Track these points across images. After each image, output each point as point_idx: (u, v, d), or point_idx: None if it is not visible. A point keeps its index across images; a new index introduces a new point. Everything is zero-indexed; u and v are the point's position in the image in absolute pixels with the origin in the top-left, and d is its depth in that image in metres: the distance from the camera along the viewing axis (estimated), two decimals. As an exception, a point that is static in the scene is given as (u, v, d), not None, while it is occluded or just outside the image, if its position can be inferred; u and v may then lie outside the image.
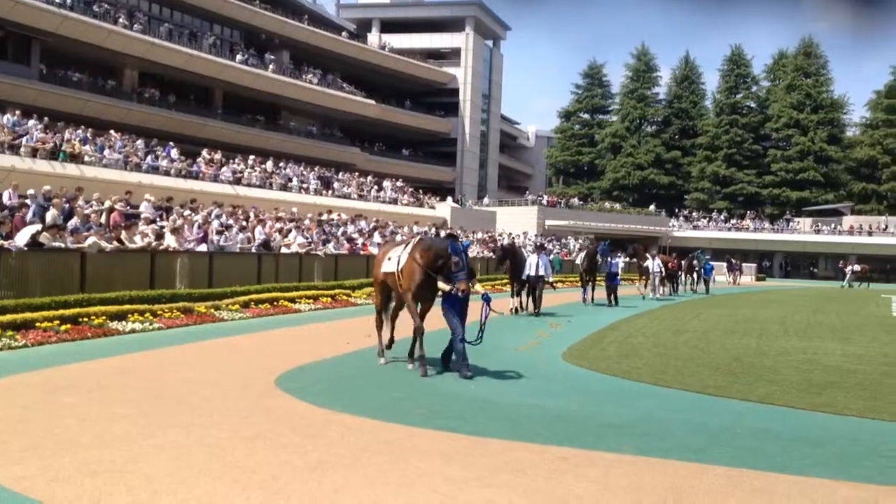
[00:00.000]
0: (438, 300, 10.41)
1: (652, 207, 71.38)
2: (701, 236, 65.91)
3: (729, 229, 68.74)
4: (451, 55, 72.10)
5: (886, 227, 64.62)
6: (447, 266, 9.97)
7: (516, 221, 54.81)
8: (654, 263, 28.65)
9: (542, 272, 19.81)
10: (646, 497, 5.39)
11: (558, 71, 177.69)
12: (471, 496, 5.30)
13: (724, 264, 49.31)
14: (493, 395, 8.93)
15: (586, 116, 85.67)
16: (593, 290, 24.68)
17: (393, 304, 11.29)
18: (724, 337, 15.87)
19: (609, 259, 24.87)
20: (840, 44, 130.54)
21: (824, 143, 74.15)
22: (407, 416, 7.61)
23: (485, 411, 8.09)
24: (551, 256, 36.01)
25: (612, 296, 24.05)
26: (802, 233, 67.17)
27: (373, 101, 60.20)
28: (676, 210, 73.73)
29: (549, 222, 58.08)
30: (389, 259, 10.83)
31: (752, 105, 79.91)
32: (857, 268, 51.69)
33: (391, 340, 11.34)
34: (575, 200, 68.48)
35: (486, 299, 10.31)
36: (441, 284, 10.12)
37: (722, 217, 71.86)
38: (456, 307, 10.07)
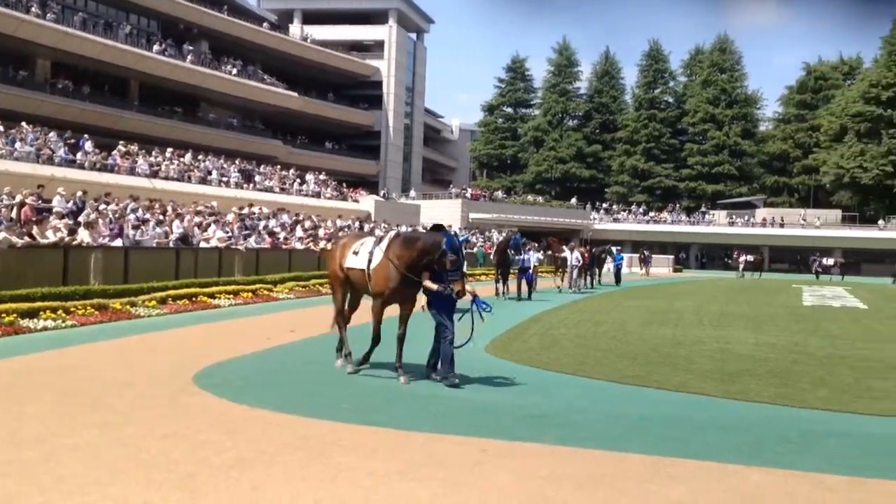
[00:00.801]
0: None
1: (574, 200, 72.36)
2: (621, 229, 67.18)
3: (647, 222, 70.25)
4: (375, 47, 71.72)
5: (805, 219, 66.65)
6: (440, 264, 8.91)
7: (441, 215, 54.70)
8: (572, 256, 28.66)
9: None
10: (565, 485, 5.47)
11: (482, 65, 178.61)
12: (393, 490, 5.30)
13: (638, 256, 49.89)
14: (416, 388, 8.94)
15: (509, 110, 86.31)
16: (505, 283, 24.13)
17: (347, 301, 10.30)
18: (642, 327, 16.21)
19: (522, 252, 24.04)
20: (754, 40, 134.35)
21: (738, 137, 76.26)
22: (329, 411, 7.56)
23: (408, 405, 8.10)
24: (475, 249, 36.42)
25: (528, 289, 23.73)
26: (717, 225, 69.05)
27: (295, 94, 59.48)
28: (597, 203, 74.92)
29: (473, 215, 58.37)
30: (356, 254, 9.69)
31: (670, 100, 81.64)
32: (749, 258, 52.82)
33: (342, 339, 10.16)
34: (499, 194, 68.96)
35: (479, 301, 9.56)
36: (428, 284, 9.04)
37: (641, 210, 73.34)
38: (444, 307, 9.18)
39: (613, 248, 38.76)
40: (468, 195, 62.66)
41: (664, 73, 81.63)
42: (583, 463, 6.04)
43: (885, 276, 50.67)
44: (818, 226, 65.33)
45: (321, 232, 30.99)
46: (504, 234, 49.19)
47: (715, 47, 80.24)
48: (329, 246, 11.09)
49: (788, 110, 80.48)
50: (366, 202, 50.64)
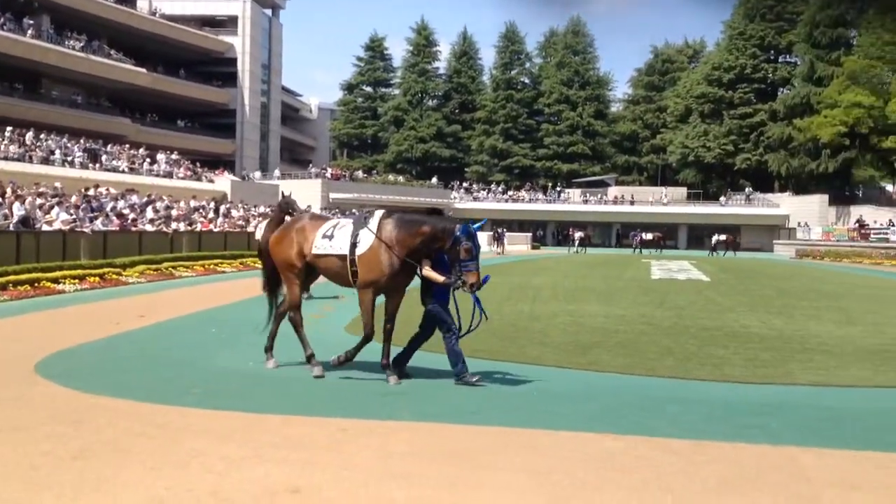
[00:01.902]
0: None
1: (434, 180, 72.83)
2: (481, 208, 68.13)
3: (506, 201, 71.59)
4: (229, 23, 69.62)
5: (662, 198, 69.37)
6: (453, 253, 7.93)
7: (300, 195, 53.51)
8: None
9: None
10: (424, 460, 5.48)
11: (340, 43, 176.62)
12: (247, 473, 5.17)
13: (490, 234, 49.47)
14: (271, 371, 8.76)
15: (369, 89, 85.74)
16: None
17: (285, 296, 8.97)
18: (501, 303, 16.47)
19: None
20: (605, 24, 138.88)
21: (591, 118, 78.63)
22: (181, 398, 7.30)
23: (263, 388, 7.94)
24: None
25: None
26: (572, 203, 71.12)
27: (144, 70, 57.06)
28: (458, 182, 75.69)
29: (334, 195, 57.82)
30: (329, 238, 8.43)
31: (526, 81, 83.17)
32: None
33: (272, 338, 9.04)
34: (359, 173, 68.56)
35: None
36: (432, 275, 8.09)
37: (500, 189, 74.61)
38: (444, 300, 8.30)
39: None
40: (328, 175, 61.98)
41: (520, 55, 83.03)
42: (441, 437, 6.09)
43: (719, 249, 53.32)
44: (666, 203, 68.36)
45: (174, 213, 29.93)
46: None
47: (568, 30, 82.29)
48: (265, 229, 9.57)
49: (637, 92, 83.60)
50: (222, 182, 49.18)
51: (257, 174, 62.08)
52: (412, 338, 8.60)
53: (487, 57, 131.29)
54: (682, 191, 72.04)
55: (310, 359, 8.62)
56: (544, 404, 7.30)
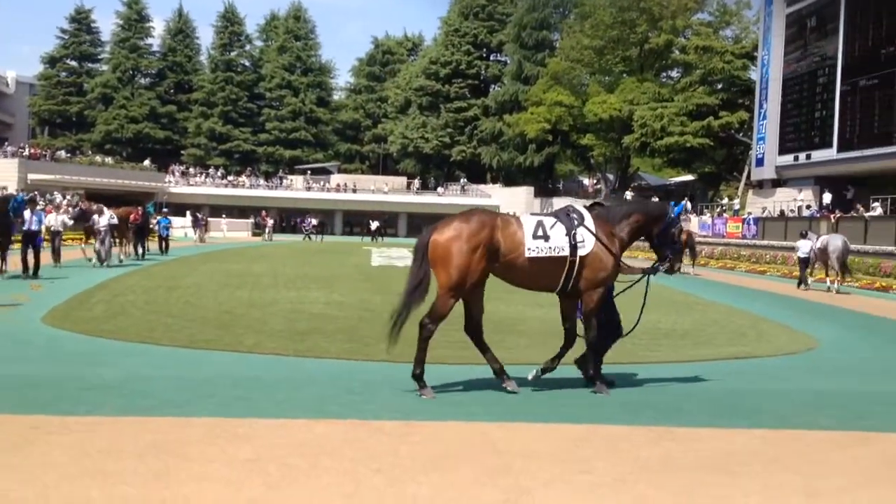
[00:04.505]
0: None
1: (147, 162, 69.21)
2: (198, 192, 65.81)
3: (226, 186, 69.64)
4: None
5: (384, 186, 70.63)
6: (667, 236, 7.71)
7: (-7, 175, 49.16)
8: (102, 219, 22.16)
9: None
10: (125, 456, 5.17)
11: (44, 13, 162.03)
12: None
13: (190, 219, 46.95)
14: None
15: (74, 64, 79.54)
16: (4, 255, 17.75)
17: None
18: (218, 291, 16.07)
19: (32, 216, 18.49)
20: (326, 11, 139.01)
21: (314, 105, 78.63)
22: None
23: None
24: None
25: (34, 261, 18.13)
26: (295, 190, 70.72)
27: None
28: (173, 166, 72.49)
29: (33, 176, 53.06)
30: (545, 238, 7.32)
31: (247, 64, 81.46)
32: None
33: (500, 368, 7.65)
34: (62, 153, 63.51)
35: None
36: (635, 265, 7.95)
37: (219, 174, 72.44)
38: (611, 294, 7.96)
39: (152, 209, 33.62)
40: (26, 154, 56.76)
41: (240, 37, 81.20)
42: (145, 432, 5.77)
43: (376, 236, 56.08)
44: (387, 192, 69.97)
45: None
46: (68, 198, 45.52)
47: (290, 14, 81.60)
48: (453, 229, 7.25)
49: (359, 81, 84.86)
50: None
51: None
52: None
53: (206, 36, 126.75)
54: (403, 180, 74.13)
55: (498, 371, 7.63)
56: (258, 393, 7.17)
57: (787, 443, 6.18)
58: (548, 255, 7.29)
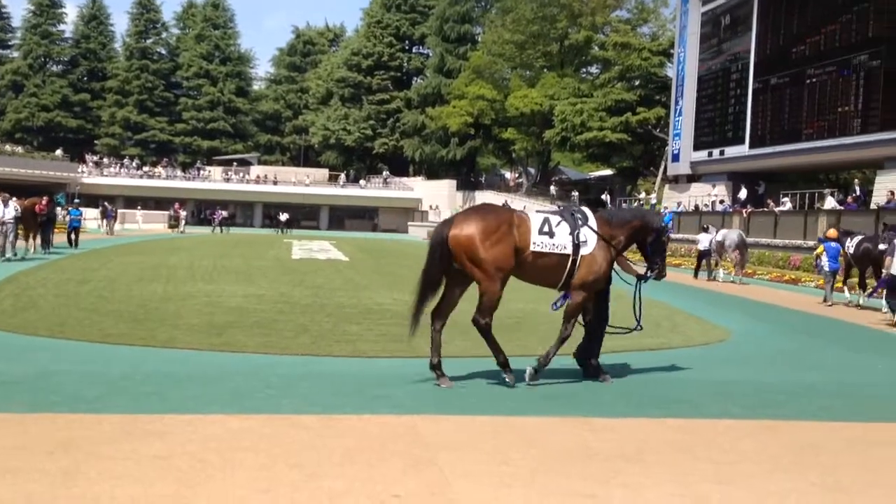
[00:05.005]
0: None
1: (59, 152, 67.01)
2: (113, 183, 64.04)
3: (142, 176, 67.88)
4: None
5: (305, 178, 69.70)
6: (660, 243, 8.19)
7: None
8: (8, 210, 21.07)
9: None
10: (35, 454, 4.99)
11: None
12: None
13: (98, 210, 45.11)
14: None
15: (-18, 49, 76.70)
16: None
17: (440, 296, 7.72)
18: (132, 284, 15.66)
19: None
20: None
21: (233, 95, 77.31)
22: None
23: None
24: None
25: None
26: (213, 181, 69.36)
27: None
28: (86, 155, 70.35)
29: (-66, 166, 50.96)
30: (550, 234, 7.60)
31: (163, 52, 79.71)
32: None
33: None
34: (-33, 142, 61.09)
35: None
36: (632, 268, 8.26)
37: (134, 164, 70.58)
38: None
39: (62, 200, 31.62)
40: (-72, 142, 54.45)
41: (156, 24, 79.40)
42: (54, 429, 5.58)
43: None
44: (308, 184, 69.22)
45: None
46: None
47: (208, 3, 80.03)
48: (473, 222, 7.48)
49: (280, 71, 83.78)
50: None
51: None
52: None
53: (120, 23, 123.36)
54: (324, 172, 73.45)
55: (503, 365, 7.71)
56: (170, 388, 6.99)
57: (700, 431, 6.34)
58: (550, 251, 7.61)
